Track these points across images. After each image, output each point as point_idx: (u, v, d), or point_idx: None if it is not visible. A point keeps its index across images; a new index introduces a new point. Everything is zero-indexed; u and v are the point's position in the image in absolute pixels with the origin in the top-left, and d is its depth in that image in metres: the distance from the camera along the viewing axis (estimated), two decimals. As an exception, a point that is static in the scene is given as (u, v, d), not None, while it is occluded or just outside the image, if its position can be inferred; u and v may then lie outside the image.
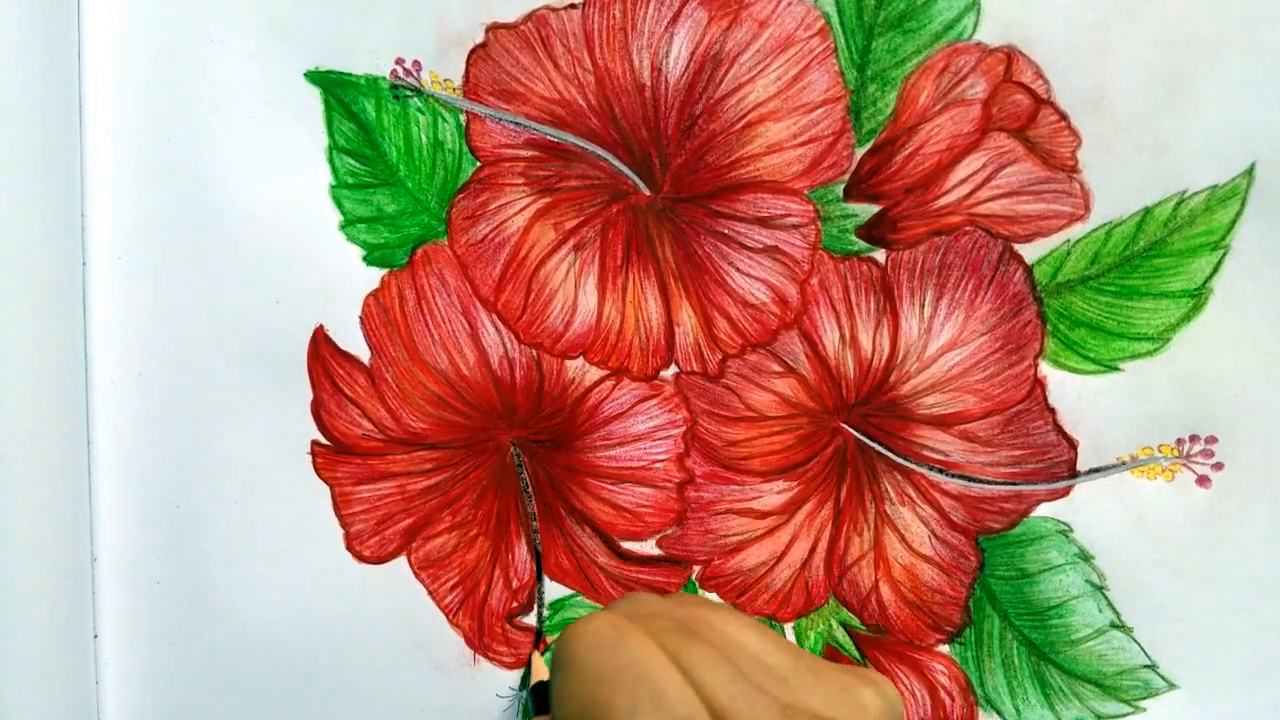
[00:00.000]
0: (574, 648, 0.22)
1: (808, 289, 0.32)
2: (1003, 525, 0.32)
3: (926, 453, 0.32)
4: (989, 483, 0.32)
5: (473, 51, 0.32)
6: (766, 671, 0.22)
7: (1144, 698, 0.32)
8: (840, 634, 0.34)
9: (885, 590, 0.33)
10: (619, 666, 0.21)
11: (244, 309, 0.34)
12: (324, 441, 0.34)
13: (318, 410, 0.34)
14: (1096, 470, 0.31)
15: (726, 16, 0.30)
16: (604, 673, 0.21)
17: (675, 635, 0.22)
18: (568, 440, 0.34)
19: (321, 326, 0.34)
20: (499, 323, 0.33)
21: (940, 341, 0.31)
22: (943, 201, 0.30)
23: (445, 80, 0.32)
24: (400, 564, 0.35)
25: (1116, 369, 0.30)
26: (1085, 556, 0.31)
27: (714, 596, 0.34)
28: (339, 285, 0.33)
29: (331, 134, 0.33)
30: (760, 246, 0.31)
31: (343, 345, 0.34)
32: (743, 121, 0.31)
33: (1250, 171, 0.29)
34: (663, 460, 0.33)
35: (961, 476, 0.32)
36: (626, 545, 0.34)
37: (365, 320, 0.34)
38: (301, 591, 0.34)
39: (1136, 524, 0.31)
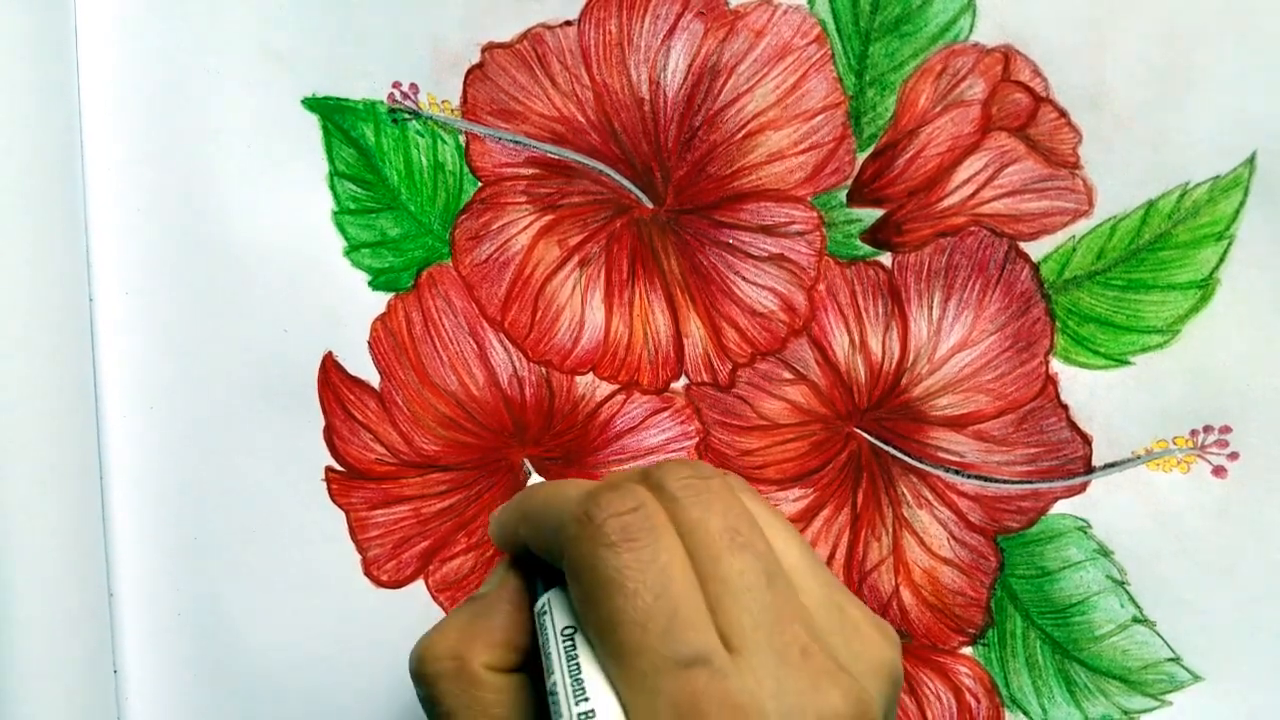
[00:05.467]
0: (600, 526, 0.22)
1: (815, 295, 0.33)
2: (1021, 524, 0.33)
3: (941, 454, 0.33)
4: (1005, 482, 0.33)
5: (469, 72, 0.33)
6: (797, 597, 0.22)
7: (1170, 691, 0.33)
8: (863, 640, 0.35)
9: (906, 594, 0.34)
10: (639, 577, 0.21)
11: (252, 338, 0.35)
12: (338, 467, 0.36)
13: (330, 436, 0.36)
14: (1112, 465, 0.32)
15: (723, 27, 0.32)
16: (623, 580, 0.21)
17: (721, 540, 0.22)
18: (580, 456, 0.35)
19: (330, 353, 0.35)
20: (507, 342, 0.35)
21: (950, 342, 0.33)
22: (946, 203, 0.32)
23: (443, 102, 0.33)
24: (418, 587, 0.36)
25: (1127, 363, 0.32)
26: (1105, 552, 0.33)
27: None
28: (346, 311, 0.35)
29: (331, 160, 0.34)
30: (766, 255, 0.33)
31: (352, 371, 0.35)
32: (743, 131, 0.32)
33: (1251, 160, 0.30)
34: (677, 473, 0.35)
35: (977, 477, 0.33)
36: (644, 559, 0.35)
37: (373, 345, 0.35)
38: (321, 618, 0.36)
39: (1154, 517, 0.32)
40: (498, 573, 0.26)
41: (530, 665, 0.24)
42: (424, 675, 0.24)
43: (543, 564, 0.24)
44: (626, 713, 0.21)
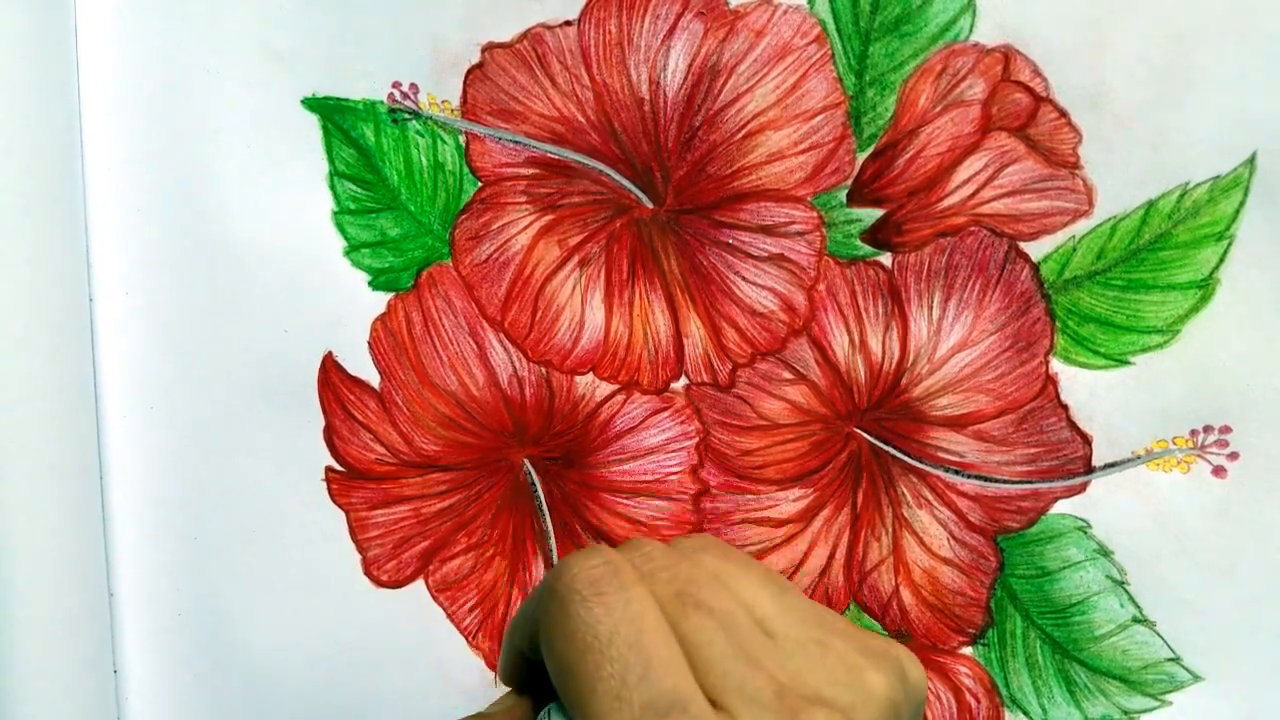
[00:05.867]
0: (570, 585, 0.22)
1: (815, 295, 0.33)
2: (1021, 524, 0.33)
3: (941, 454, 0.33)
4: (1005, 482, 0.33)
5: (469, 72, 0.33)
6: (770, 643, 0.22)
7: (1170, 691, 0.33)
8: (863, 640, 0.35)
9: (906, 594, 0.34)
10: (613, 629, 0.21)
11: (252, 338, 0.35)
12: (338, 467, 0.36)
13: (330, 436, 0.36)
14: (1112, 465, 0.32)
15: (723, 27, 0.32)
16: (597, 634, 0.21)
17: (672, 605, 0.22)
18: (581, 456, 0.35)
19: (330, 353, 0.35)
20: (507, 342, 0.35)
21: (950, 342, 0.33)
22: (946, 203, 0.32)
23: (443, 102, 0.34)
24: (418, 587, 0.36)
25: (1127, 363, 0.32)
26: (1104, 552, 0.33)
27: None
28: (346, 311, 0.35)
29: (331, 160, 0.35)
30: (766, 255, 0.33)
31: (352, 371, 0.35)
32: (743, 131, 0.32)
33: (1252, 160, 0.30)
34: (677, 472, 0.35)
35: (977, 477, 0.33)
36: (644, 559, 0.36)
37: (373, 345, 0.35)
38: (321, 618, 0.36)
39: (1154, 517, 0.32)
40: (505, 700, 0.26)
41: None
42: None
43: (548, 688, 0.24)
44: None
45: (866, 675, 0.23)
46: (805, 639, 0.23)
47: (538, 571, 0.36)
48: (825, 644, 0.23)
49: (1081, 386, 0.32)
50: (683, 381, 0.34)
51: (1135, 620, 0.33)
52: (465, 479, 0.36)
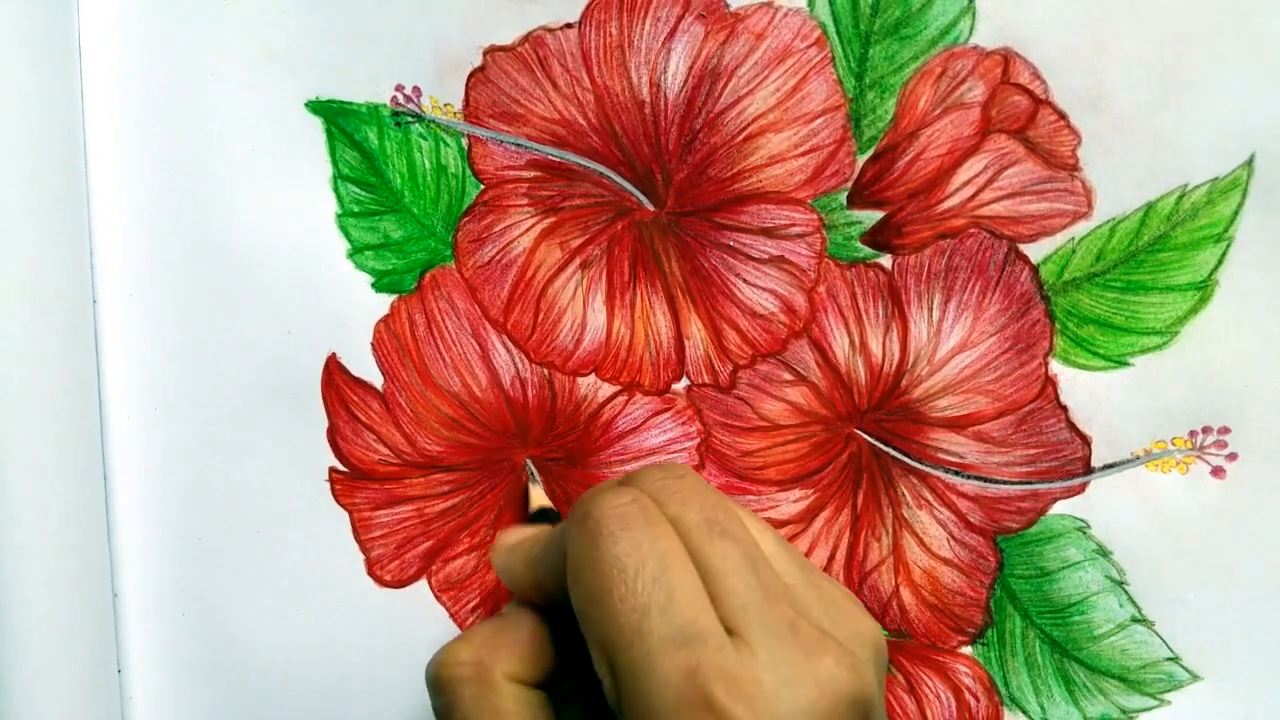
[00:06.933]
0: (599, 520, 0.23)
1: (815, 297, 0.33)
2: (1020, 524, 0.34)
3: (941, 455, 0.34)
4: (1005, 483, 0.34)
5: (471, 75, 0.33)
6: (778, 580, 0.23)
7: (1168, 690, 0.33)
8: (863, 640, 0.36)
9: (906, 594, 0.35)
10: (639, 564, 0.22)
11: (256, 340, 0.36)
12: (341, 468, 0.36)
13: (334, 437, 0.36)
14: (1111, 466, 0.33)
15: (723, 30, 0.32)
16: (623, 567, 0.22)
17: (701, 530, 0.23)
18: (583, 457, 0.35)
19: (334, 354, 0.36)
20: (509, 343, 0.35)
21: (950, 344, 0.33)
22: (946, 205, 0.32)
23: (446, 105, 0.34)
24: (421, 587, 0.37)
25: (1126, 364, 0.32)
26: (1104, 552, 0.33)
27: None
28: (349, 313, 0.35)
29: (335, 163, 0.35)
30: (766, 257, 0.33)
31: (356, 372, 0.36)
32: (743, 134, 0.32)
33: (1250, 163, 0.30)
34: (678, 474, 0.35)
35: (977, 477, 0.34)
36: (645, 560, 0.36)
37: (377, 346, 0.36)
38: (325, 618, 0.36)
39: (1153, 518, 0.33)
40: (518, 601, 0.27)
41: (550, 686, 0.25)
42: (442, 680, 0.25)
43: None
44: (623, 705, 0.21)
45: (858, 619, 0.24)
46: (806, 580, 0.24)
47: (540, 572, 0.36)
48: (819, 586, 0.24)
49: (1081, 388, 0.32)
50: (684, 383, 0.35)
51: (1134, 620, 0.33)
52: (468, 479, 0.36)
